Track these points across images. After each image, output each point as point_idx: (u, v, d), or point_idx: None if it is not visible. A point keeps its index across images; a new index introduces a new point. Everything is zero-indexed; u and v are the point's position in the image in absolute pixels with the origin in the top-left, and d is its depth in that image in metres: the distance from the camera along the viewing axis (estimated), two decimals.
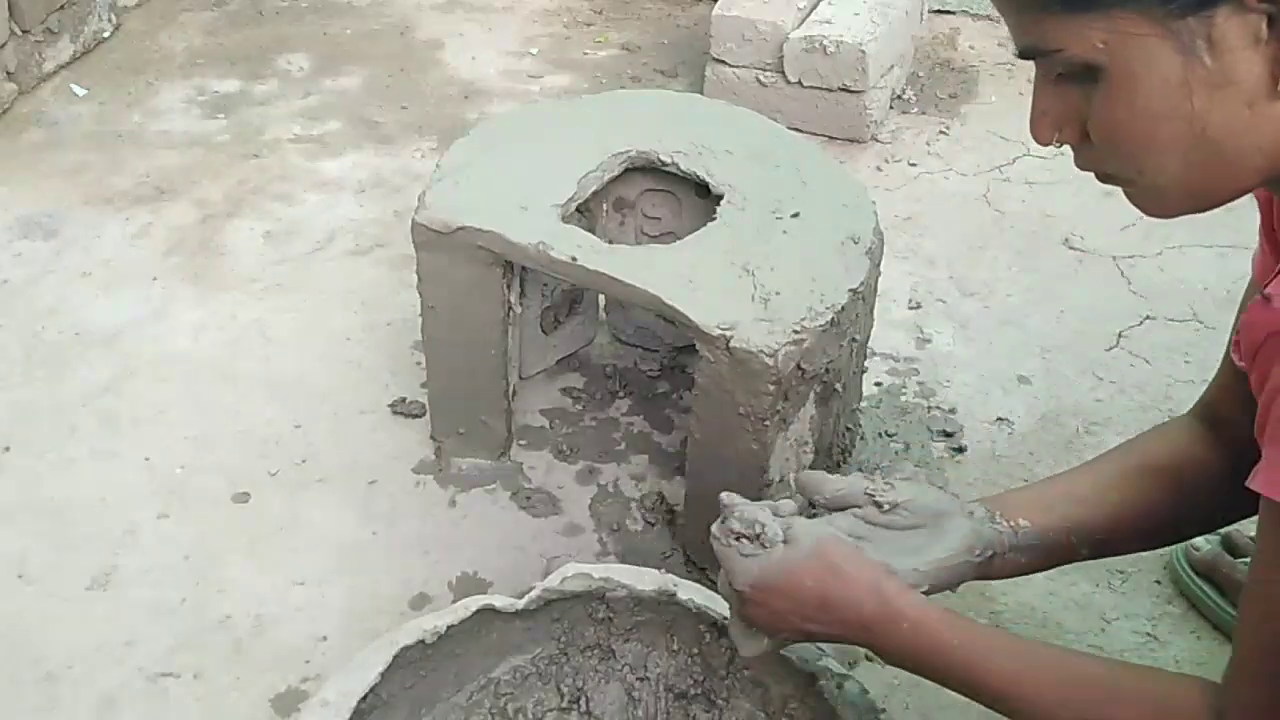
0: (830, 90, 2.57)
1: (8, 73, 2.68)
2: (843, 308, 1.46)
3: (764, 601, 1.03)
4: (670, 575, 1.29)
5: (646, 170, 1.73)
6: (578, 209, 1.67)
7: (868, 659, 1.48)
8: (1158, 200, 0.90)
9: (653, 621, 1.29)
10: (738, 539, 1.03)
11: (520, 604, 1.26)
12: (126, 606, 1.57)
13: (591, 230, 1.67)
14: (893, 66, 2.69)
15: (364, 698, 1.15)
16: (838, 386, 1.57)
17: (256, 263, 2.24)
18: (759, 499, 1.11)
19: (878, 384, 1.94)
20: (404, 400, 1.90)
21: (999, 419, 1.88)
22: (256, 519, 1.71)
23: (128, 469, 1.78)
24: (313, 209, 2.40)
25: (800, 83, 2.58)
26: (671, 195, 1.77)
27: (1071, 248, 2.29)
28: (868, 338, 1.72)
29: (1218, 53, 0.80)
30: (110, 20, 3.02)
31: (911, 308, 2.13)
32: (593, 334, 1.99)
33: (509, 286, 1.64)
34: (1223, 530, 1.56)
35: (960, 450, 1.82)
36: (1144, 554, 1.63)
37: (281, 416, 1.88)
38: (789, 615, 1.03)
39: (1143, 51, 0.82)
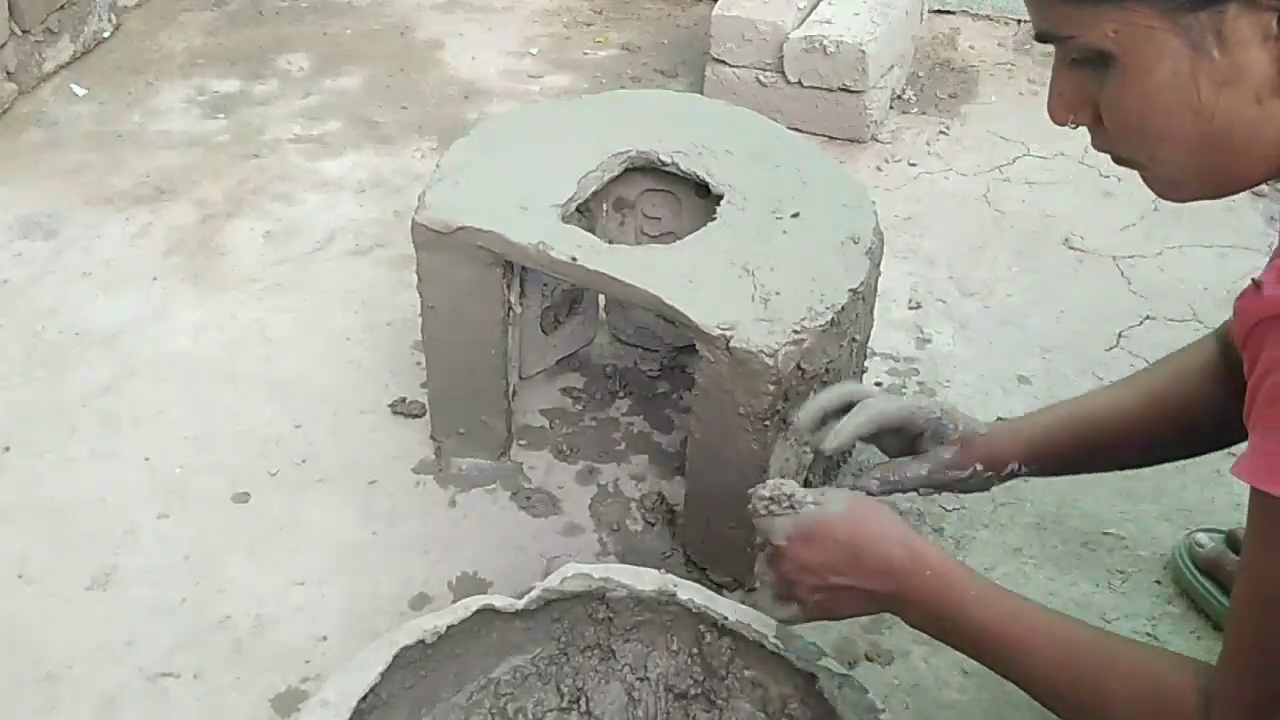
0: (830, 90, 2.57)
1: (8, 73, 2.68)
2: (843, 308, 1.46)
3: (797, 555, 1.10)
4: (670, 575, 1.28)
5: (646, 170, 1.73)
6: (578, 209, 1.67)
7: (868, 659, 1.48)
8: (1171, 186, 0.93)
9: (653, 621, 1.29)
10: (773, 502, 1.11)
11: (520, 604, 1.26)
12: (126, 606, 1.57)
13: (591, 230, 1.67)
14: (893, 66, 2.69)
15: (364, 698, 1.14)
16: None
17: (256, 263, 2.24)
18: None
19: (878, 384, 1.94)
20: (404, 400, 1.90)
21: (999, 419, 1.88)
22: (256, 519, 1.71)
23: (128, 469, 1.78)
24: (313, 209, 2.40)
25: (800, 83, 2.58)
26: (671, 195, 1.77)
27: (1071, 248, 2.29)
28: (868, 338, 1.72)
29: (1227, 48, 0.81)
30: (110, 20, 3.02)
31: (911, 308, 2.13)
32: (593, 334, 1.99)
33: (509, 286, 1.64)
34: (1226, 529, 1.56)
35: None
36: (1143, 555, 1.64)
37: (281, 416, 1.88)
38: (821, 570, 1.09)
39: (1153, 44, 0.83)
